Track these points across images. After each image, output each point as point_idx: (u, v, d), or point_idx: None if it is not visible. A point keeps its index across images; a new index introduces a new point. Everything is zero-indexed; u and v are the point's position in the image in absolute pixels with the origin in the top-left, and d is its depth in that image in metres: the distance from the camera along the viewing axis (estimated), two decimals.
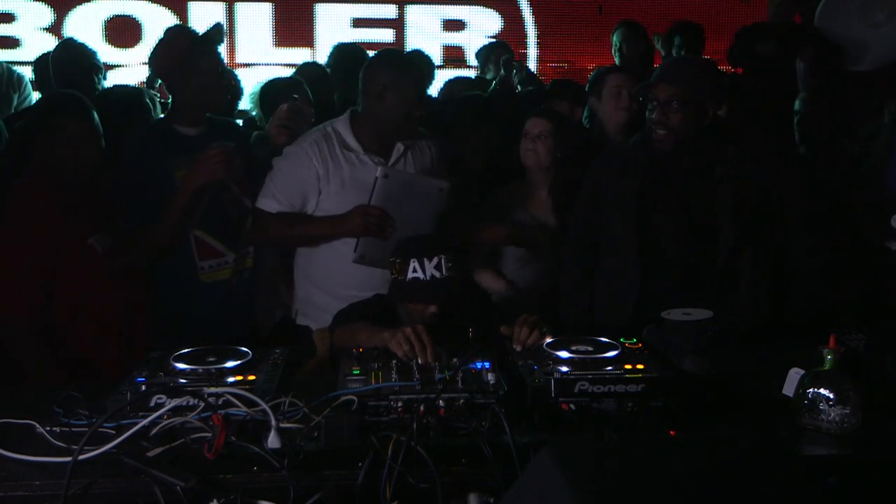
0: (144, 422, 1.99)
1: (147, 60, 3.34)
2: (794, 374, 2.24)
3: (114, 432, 1.97)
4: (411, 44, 6.38)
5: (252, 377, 2.22)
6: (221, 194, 3.21)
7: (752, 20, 5.77)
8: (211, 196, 3.16)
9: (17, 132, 3.75)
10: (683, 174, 3.05)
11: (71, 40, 4.76)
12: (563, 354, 2.31)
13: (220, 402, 2.05)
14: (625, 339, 2.45)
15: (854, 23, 4.52)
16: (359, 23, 6.49)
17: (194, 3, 6.36)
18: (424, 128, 3.40)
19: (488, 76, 5.35)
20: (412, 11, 6.60)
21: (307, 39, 6.40)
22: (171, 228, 3.11)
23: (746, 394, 2.37)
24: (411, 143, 3.30)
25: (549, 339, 2.41)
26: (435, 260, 2.65)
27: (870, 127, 4.09)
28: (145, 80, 5.25)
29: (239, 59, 6.31)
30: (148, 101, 4.13)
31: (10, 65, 5.21)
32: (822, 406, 2.12)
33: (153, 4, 6.29)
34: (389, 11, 6.58)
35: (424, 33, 6.51)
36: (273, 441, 1.97)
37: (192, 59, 3.16)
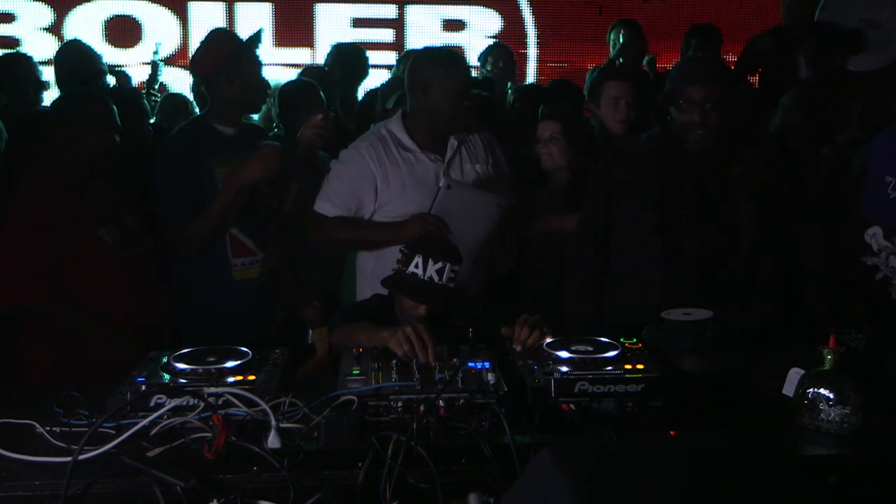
0: (144, 422, 1.99)
1: (190, 61, 3.44)
2: (794, 374, 2.24)
3: (114, 432, 1.96)
4: (411, 44, 6.38)
5: (252, 377, 2.21)
6: (254, 194, 3.26)
7: (762, 22, 5.79)
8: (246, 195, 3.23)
9: (30, 123, 3.76)
10: (705, 173, 3.04)
11: (77, 42, 4.75)
12: (563, 354, 2.30)
13: (220, 402, 2.04)
14: (625, 339, 2.46)
15: (855, 21, 4.54)
16: (359, 23, 6.49)
17: (194, 3, 6.36)
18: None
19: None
20: (412, 11, 6.60)
21: (307, 39, 6.40)
22: (215, 222, 3.19)
23: (746, 394, 2.37)
24: (464, 137, 3.34)
25: (549, 339, 2.41)
26: (439, 264, 2.64)
27: (848, 133, 4.11)
28: (145, 81, 5.26)
29: None
30: (144, 101, 4.13)
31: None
32: (822, 406, 2.12)
33: (153, 4, 6.29)
34: (389, 11, 6.58)
35: (424, 33, 6.51)
36: (273, 441, 1.96)
37: (236, 61, 3.26)
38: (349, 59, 5.08)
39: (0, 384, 2.81)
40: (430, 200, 3.16)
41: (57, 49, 4.64)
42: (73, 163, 3.07)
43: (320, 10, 6.48)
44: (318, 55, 6.09)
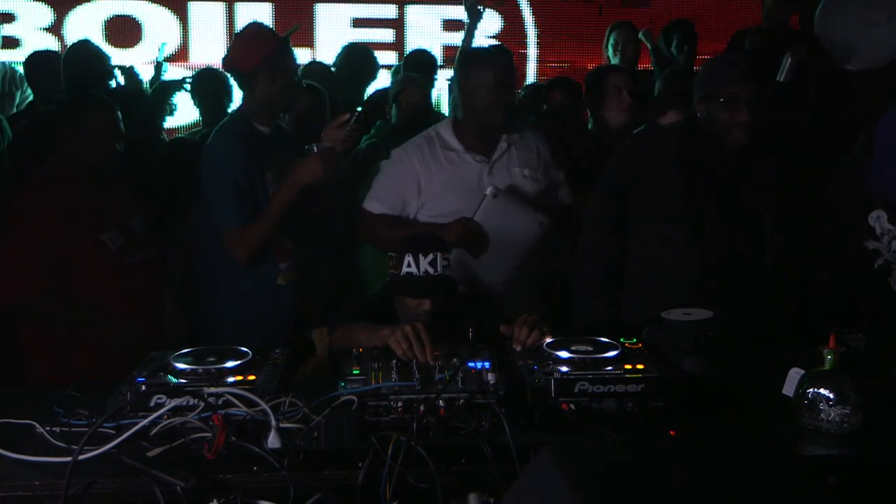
0: (144, 422, 1.99)
1: (227, 56, 3.33)
2: (794, 374, 2.24)
3: (114, 432, 1.96)
4: (411, 44, 6.37)
5: (252, 377, 2.21)
6: (306, 195, 3.22)
7: (747, 22, 5.81)
8: None
9: (37, 125, 3.76)
10: (735, 171, 3.03)
11: (86, 42, 4.74)
12: (563, 354, 2.30)
13: (220, 402, 2.05)
14: (625, 339, 2.46)
15: (853, 23, 4.52)
16: (359, 23, 6.48)
17: (194, 3, 6.36)
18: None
19: None
20: (412, 11, 6.59)
21: (307, 39, 6.39)
22: (274, 227, 3.14)
23: (746, 394, 2.37)
24: (516, 139, 3.36)
25: (549, 339, 2.41)
26: (430, 256, 2.65)
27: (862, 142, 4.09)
28: (147, 81, 5.25)
29: None
30: (150, 100, 4.13)
31: (13, 64, 5.22)
32: (822, 406, 2.12)
33: (153, 4, 6.28)
34: (389, 11, 6.57)
35: (424, 33, 6.50)
36: (273, 441, 1.97)
37: (282, 59, 3.20)
38: (358, 60, 5.10)
39: (0, 384, 2.81)
40: (470, 201, 3.20)
41: (66, 49, 4.63)
42: (76, 167, 3.07)
43: (320, 10, 6.47)
44: (318, 55, 6.08)
